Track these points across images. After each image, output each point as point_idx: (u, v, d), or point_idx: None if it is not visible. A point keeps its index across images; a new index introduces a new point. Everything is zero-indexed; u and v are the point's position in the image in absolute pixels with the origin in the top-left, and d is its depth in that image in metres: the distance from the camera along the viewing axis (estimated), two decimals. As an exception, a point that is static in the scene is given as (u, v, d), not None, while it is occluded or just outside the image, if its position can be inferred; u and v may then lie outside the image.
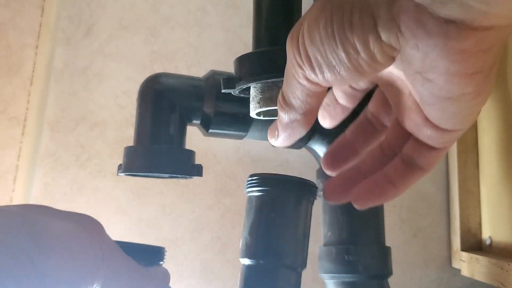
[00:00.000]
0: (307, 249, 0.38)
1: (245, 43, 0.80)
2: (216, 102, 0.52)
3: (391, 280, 0.55)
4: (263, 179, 0.37)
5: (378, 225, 0.56)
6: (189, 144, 0.54)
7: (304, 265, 0.38)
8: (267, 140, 0.58)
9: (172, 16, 0.80)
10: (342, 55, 0.24)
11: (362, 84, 0.33)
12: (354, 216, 0.54)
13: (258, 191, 0.37)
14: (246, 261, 0.37)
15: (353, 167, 0.34)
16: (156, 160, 0.49)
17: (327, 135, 0.54)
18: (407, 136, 0.31)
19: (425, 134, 0.29)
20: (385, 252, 0.55)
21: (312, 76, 0.26)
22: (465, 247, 0.73)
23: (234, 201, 0.75)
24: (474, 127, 0.75)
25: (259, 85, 0.35)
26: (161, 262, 0.37)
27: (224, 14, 0.82)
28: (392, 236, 0.77)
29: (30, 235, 0.25)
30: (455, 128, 0.27)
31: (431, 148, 0.30)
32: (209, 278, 0.73)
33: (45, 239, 0.26)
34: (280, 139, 0.30)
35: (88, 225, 0.30)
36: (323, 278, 0.55)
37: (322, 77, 0.25)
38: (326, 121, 0.34)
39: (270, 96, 0.35)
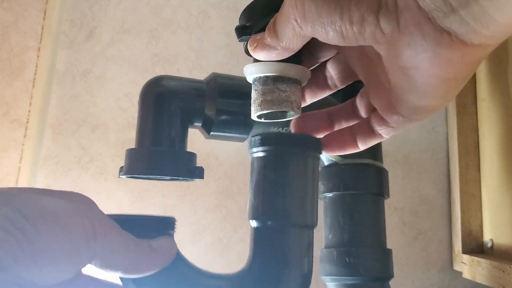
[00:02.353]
0: (317, 206, 0.37)
1: (246, 46, 0.81)
2: (217, 105, 0.52)
3: (392, 283, 0.55)
4: (263, 139, 0.36)
5: (379, 228, 0.56)
6: (190, 147, 0.54)
7: (314, 222, 0.36)
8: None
9: (173, 19, 0.80)
10: (337, 19, 0.26)
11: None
12: (355, 219, 0.54)
13: (259, 151, 0.36)
14: (254, 223, 0.36)
15: (326, 115, 0.38)
16: (157, 162, 0.49)
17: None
18: (370, 106, 0.35)
19: (388, 116, 0.32)
20: (386, 255, 0.55)
21: (301, 24, 0.29)
22: (467, 250, 0.72)
23: (235, 204, 0.75)
24: (475, 130, 0.75)
25: (260, 87, 0.35)
26: (172, 232, 0.35)
27: (226, 17, 0.82)
28: (394, 239, 0.77)
29: (20, 208, 0.25)
30: (415, 118, 0.31)
31: (389, 124, 0.33)
32: (210, 281, 0.73)
33: (35, 213, 0.26)
34: (255, 52, 0.33)
35: (79, 202, 0.30)
36: (324, 280, 0.55)
37: (310, 29, 0.28)
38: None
39: (271, 99, 0.35)
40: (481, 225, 0.73)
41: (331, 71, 0.37)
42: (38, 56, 0.71)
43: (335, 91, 0.38)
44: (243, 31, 0.34)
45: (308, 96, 0.38)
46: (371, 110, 0.35)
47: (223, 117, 0.52)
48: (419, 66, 0.26)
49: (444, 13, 0.23)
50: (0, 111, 0.69)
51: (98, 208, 0.31)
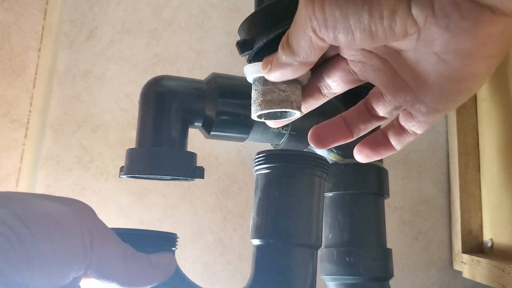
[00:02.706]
0: (321, 226, 0.36)
1: (246, 46, 0.81)
2: (217, 105, 0.52)
3: (392, 282, 0.55)
4: (268, 156, 0.35)
5: (380, 227, 0.56)
6: (191, 147, 0.54)
7: (318, 242, 0.35)
8: (269, 142, 0.58)
9: (174, 19, 0.81)
10: (365, 16, 0.24)
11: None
12: (355, 218, 0.55)
13: (263, 168, 0.35)
14: (256, 242, 0.35)
15: (341, 120, 0.36)
16: (158, 162, 0.49)
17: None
18: (394, 104, 0.33)
19: (417, 110, 0.30)
20: (387, 254, 0.55)
21: (322, 33, 0.26)
22: (467, 250, 0.73)
23: (235, 203, 0.75)
24: (475, 130, 0.75)
25: (260, 87, 0.35)
26: (173, 249, 0.35)
27: (226, 17, 0.82)
28: (394, 239, 0.77)
29: (17, 212, 0.25)
30: (447, 107, 0.29)
31: (419, 118, 0.32)
32: (211, 280, 0.74)
33: (33, 217, 0.25)
34: (271, 74, 0.32)
35: (78, 209, 0.29)
36: (324, 280, 0.56)
37: (333, 35, 0.26)
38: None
39: (272, 99, 0.35)
40: (481, 224, 0.73)
41: (327, 79, 0.35)
42: (38, 56, 0.71)
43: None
44: (244, 46, 0.33)
45: (302, 107, 0.37)
46: (394, 108, 0.33)
47: (223, 117, 0.52)
48: (459, 48, 0.24)
49: None
50: (1, 111, 0.69)
51: (97, 217, 0.30)
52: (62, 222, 0.27)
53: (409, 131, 0.33)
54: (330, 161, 0.56)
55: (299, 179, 0.35)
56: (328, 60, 0.34)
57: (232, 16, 0.82)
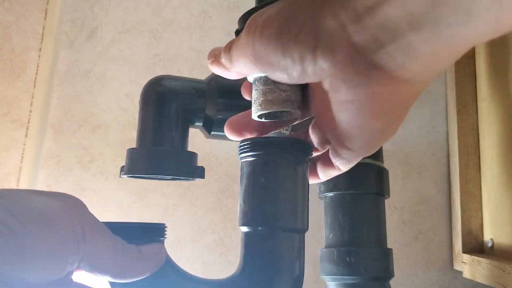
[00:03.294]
0: (308, 209, 0.36)
1: (247, 46, 0.81)
2: (218, 104, 0.52)
3: (392, 282, 0.55)
4: (252, 144, 0.36)
5: (380, 227, 0.56)
6: (191, 146, 0.54)
7: (305, 226, 0.36)
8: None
9: (174, 19, 0.81)
10: (281, 59, 0.27)
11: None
12: (355, 218, 0.55)
13: (248, 156, 0.36)
14: (244, 228, 0.36)
15: None
16: (158, 162, 0.49)
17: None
18: (323, 136, 0.35)
19: (337, 151, 0.33)
20: (387, 254, 0.55)
21: (253, 62, 0.29)
22: (467, 250, 0.73)
23: (236, 203, 0.75)
24: (475, 130, 0.75)
25: (260, 87, 0.36)
26: (162, 239, 0.35)
27: (226, 17, 0.82)
28: (394, 238, 0.77)
29: (9, 206, 0.25)
30: (357, 150, 0.32)
31: (342, 156, 0.33)
32: (211, 280, 0.74)
33: (24, 211, 0.26)
34: (212, 67, 0.36)
35: (69, 203, 0.29)
36: (324, 280, 0.56)
37: (261, 67, 0.29)
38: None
39: (272, 99, 0.35)
40: (481, 224, 0.73)
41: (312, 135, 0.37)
42: (39, 56, 0.71)
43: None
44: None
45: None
46: (324, 142, 0.35)
47: (224, 116, 0.53)
48: (354, 100, 0.26)
49: (373, 48, 0.23)
50: (2, 111, 0.69)
51: (89, 211, 0.31)
52: (54, 216, 0.27)
53: (335, 165, 0.35)
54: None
55: (284, 165, 0.36)
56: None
57: (233, 16, 0.82)
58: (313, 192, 0.59)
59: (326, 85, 0.28)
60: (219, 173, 0.77)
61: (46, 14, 0.72)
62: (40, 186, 0.73)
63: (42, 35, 0.71)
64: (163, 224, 0.36)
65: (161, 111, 0.51)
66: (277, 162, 0.35)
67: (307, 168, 0.37)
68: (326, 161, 0.36)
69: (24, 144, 0.68)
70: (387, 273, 0.54)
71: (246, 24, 0.30)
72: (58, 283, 0.28)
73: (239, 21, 0.41)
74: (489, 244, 0.69)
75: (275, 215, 0.35)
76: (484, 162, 0.73)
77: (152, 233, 0.35)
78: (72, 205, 0.29)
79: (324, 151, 0.36)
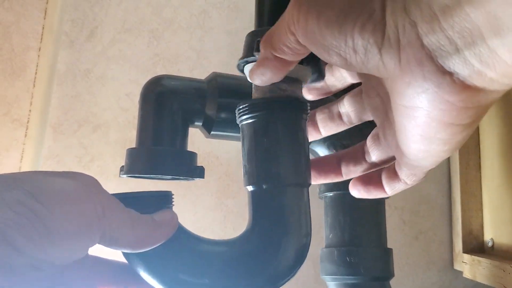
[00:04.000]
0: (309, 164, 0.38)
1: (247, 46, 0.81)
2: (218, 104, 0.52)
3: (393, 282, 0.55)
4: (251, 106, 0.37)
5: (380, 227, 0.56)
6: (191, 146, 0.54)
7: (307, 180, 0.37)
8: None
9: (174, 19, 0.81)
10: (341, 45, 0.25)
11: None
12: (355, 218, 0.55)
13: (248, 118, 0.37)
14: (250, 188, 0.37)
15: (335, 158, 0.38)
16: (158, 162, 0.49)
17: (328, 138, 0.55)
18: (388, 149, 0.33)
19: (401, 162, 0.30)
20: (387, 254, 0.55)
21: (302, 40, 0.27)
22: (467, 249, 0.73)
23: (236, 203, 0.75)
24: (476, 130, 0.75)
25: (260, 88, 0.36)
26: (171, 205, 0.36)
27: (226, 17, 0.82)
28: (394, 238, 0.77)
29: (30, 190, 0.26)
30: (420, 165, 0.29)
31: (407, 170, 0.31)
32: (211, 280, 0.73)
33: (46, 193, 0.26)
34: (254, 75, 0.33)
35: (85, 181, 0.30)
36: (324, 280, 0.55)
37: (311, 47, 0.27)
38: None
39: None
40: (482, 224, 0.73)
41: (348, 106, 0.36)
42: (39, 56, 0.71)
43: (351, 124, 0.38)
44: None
45: (323, 130, 0.38)
46: (387, 158, 0.34)
47: (224, 116, 0.52)
48: (420, 107, 0.24)
49: (447, 53, 0.21)
50: (1, 111, 0.69)
51: (102, 187, 0.31)
52: (74, 195, 0.28)
53: (400, 179, 0.33)
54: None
55: (284, 124, 0.36)
56: (352, 89, 0.36)
57: (233, 16, 0.82)
58: (313, 192, 0.59)
59: (388, 84, 0.26)
60: (219, 173, 0.77)
61: (45, 14, 0.72)
62: (40, 186, 0.72)
63: (42, 34, 0.71)
64: (170, 191, 0.37)
65: (161, 111, 0.51)
66: (278, 122, 0.36)
67: (305, 124, 0.38)
68: (392, 173, 0.33)
69: (24, 144, 0.68)
70: (387, 273, 0.54)
71: (294, 1, 0.27)
72: (82, 262, 0.29)
73: (249, 41, 0.40)
74: (490, 244, 0.69)
75: (279, 172, 0.36)
76: (484, 162, 0.73)
77: (160, 200, 0.36)
78: (88, 184, 0.30)
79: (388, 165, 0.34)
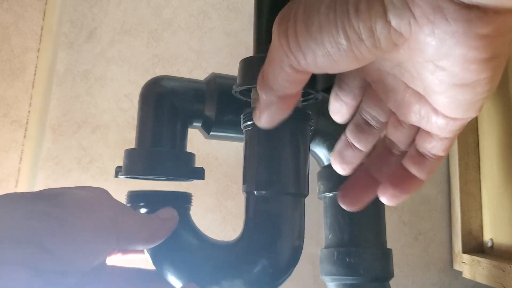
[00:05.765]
0: (308, 175, 0.38)
1: (246, 47, 0.81)
2: (217, 105, 0.52)
3: (392, 283, 0.55)
4: (250, 113, 0.37)
5: (380, 228, 0.56)
6: (190, 147, 0.54)
7: (304, 190, 0.38)
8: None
9: (173, 20, 0.81)
10: (343, 42, 0.23)
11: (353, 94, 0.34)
12: (355, 219, 0.54)
13: (247, 125, 0.38)
14: (247, 194, 0.38)
15: (364, 172, 0.36)
16: (157, 163, 0.49)
17: (328, 138, 0.55)
18: (411, 129, 0.32)
19: (434, 124, 0.28)
20: (387, 255, 0.55)
21: (300, 64, 0.25)
22: (467, 250, 0.73)
23: (235, 204, 0.75)
24: (475, 130, 0.75)
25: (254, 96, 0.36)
26: (188, 205, 0.41)
27: (226, 18, 0.82)
28: (394, 239, 0.77)
29: (53, 201, 0.29)
30: (464, 116, 0.27)
31: (438, 137, 0.30)
32: (211, 281, 0.73)
33: (66, 204, 0.29)
34: (261, 120, 0.32)
35: (98, 193, 0.33)
36: (324, 280, 0.55)
37: (314, 66, 0.25)
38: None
39: None
40: (481, 225, 0.73)
41: (368, 109, 0.34)
42: (38, 57, 0.71)
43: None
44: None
45: (361, 146, 0.35)
46: (413, 134, 0.32)
47: (223, 117, 0.52)
48: (450, 53, 0.22)
49: None
50: (0, 112, 0.69)
51: (113, 197, 0.35)
52: (91, 204, 0.31)
53: (430, 155, 0.31)
54: (329, 161, 0.56)
55: (281, 132, 0.36)
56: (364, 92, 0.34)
57: (232, 17, 0.82)
58: (313, 193, 0.59)
59: (403, 54, 0.24)
60: (219, 174, 0.77)
61: (44, 15, 0.72)
62: (39, 187, 0.72)
63: (41, 35, 0.71)
64: (190, 193, 0.42)
65: (160, 112, 0.51)
66: (278, 129, 0.36)
67: (308, 133, 0.38)
68: (417, 157, 0.31)
69: (23, 145, 0.68)
70: (387, 274, 0.54)
71: (274, 31, 0.26)
72: (102, 268, 0.34)
73: (243, 70, 0.41)
74: (489, 244, 0.69)
75: (277, 180, 0.36)
76: (484, 162, 0.73)
77: (180, 200, 0.41)
78: (100, 194, 0.33)
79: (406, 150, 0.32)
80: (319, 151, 0.57)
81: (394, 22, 0.21)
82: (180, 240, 0.39)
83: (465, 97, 0.25)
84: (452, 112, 0.26)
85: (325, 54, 0.24)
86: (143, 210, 0.41)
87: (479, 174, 0.74)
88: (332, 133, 0.54)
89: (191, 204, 0.40)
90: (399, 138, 0.33)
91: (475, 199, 0.73)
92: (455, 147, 0.76)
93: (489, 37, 0.21)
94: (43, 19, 0.72)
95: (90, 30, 0.78)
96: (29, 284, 0.24)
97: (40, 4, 0.72)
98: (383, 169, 0.35)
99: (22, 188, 0.67)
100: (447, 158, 0.81)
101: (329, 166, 0.56)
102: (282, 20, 0.26)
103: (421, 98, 0.28)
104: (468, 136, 0.75)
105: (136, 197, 0.42)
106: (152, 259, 0.39)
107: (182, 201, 0.40)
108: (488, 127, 0.71)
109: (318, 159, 0.58)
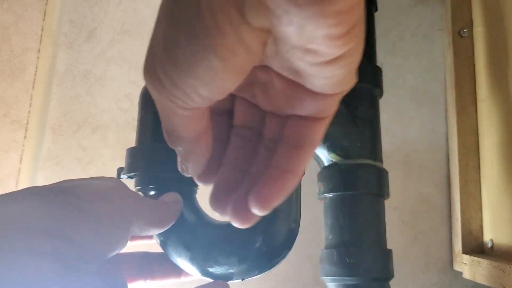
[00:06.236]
0: (300, 205, 0.42)
1: (246, 47, 0.81)
2: (217, 105, 0.52)
3: (392, 283, 0.55)
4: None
5: (380, 228, 0.56)
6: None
7: (297, 221, 0.42)
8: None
9: (173, 20, 0.80)
10: (217, 63, 0.22)
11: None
12: (355, 219, 0.54)
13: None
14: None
15: (234, 171, 0.33)
16: (159, 159, 0.49)
17: (328, 138, 0.55)
18: (282, 121, 0.30)
19: (309, 107, 0.28)
20: (387, 255, 0.55)
21: (186, 101, 0.24)
22: (467, 250, 0.73)
23: (235, 204, 0.75)
24: (475, 130, 0.75)
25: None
26: (194, 188, 0.44)
27: (226, 18, 0.82)
28: (393, 239, 0.77)
29: (73, 193, 0.30)
30: (338, 91, 0.26)
31: (315, 119, 0.29)
32: (211, 281, 0.73)
33: (85, 193, 0.31)
34: (189, 171, 0.31)
35: (112, 182, 0.35)
36: (324, 281, 0.55)
37: (201, 98, 0.24)
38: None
39: None
40: (481, 225, 0.73)
41: (241, 115, 0.32)
42: (38, 57, 0.71)
43: None
44: None
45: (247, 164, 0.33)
46: (280, 126, 0.30)
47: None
48: (314, 36, 0.21)
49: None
50: (1, 112, 0.69)
51: (126, 185, 0.36)
52: (110, 194, 0.32)
53: (305, 142, 0.29)
54: (329, 162, 0.56)
55: None
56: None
57: (232, 17, 0.82)
58: (313, 192, 0.59)
59: (271, 46, 0.23)
60: (219, 174, 0.76)
61: (45, 15, 0.72)
62: (39, 187, 0.72)
63: (41, 36, 0.71)
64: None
65: (160, 112, 0.51)
66: None
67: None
68: (293, 153, 0.29)
69: (23, 145, 0.68)
70: (387, 274, 0.54)
71: (147, 82, 0.25)
72: (110, 267, 0.36)
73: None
74: (489, 245, 0.69)
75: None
76: (484, 162, 0.73)
77: (185, 183, 0.44)
78: (116, 183, 0.35)
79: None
80: (319, 151, 0.57)
81: (255, 22, 0.21)
82: (185, 221, 0.42)
83: (339, 72, 0.24)
84: (330, 89, 0.26)
85: (204, 83, 0.23)
86: (151, 193, 0.44)
87: (479, 174, 0.74)
88: (332, 133, 0.54)
89: (197, 187, 0.43)
90: (271, 132, 0.31)
91: (475, 199, 0.73)
92: (455, 148, 0.76)
93: (343, 12, 0.21)
94: (43, 19, 0.72)
95: (90, 30, 0.78)
96: (54, 272, 0.25)
97: (40, 4, 0.72)
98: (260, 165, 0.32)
99: (22, 188, 0.67)
100: (447, 158, 0.81)
101: (329, 166, 0.57)
102: (148, 66, 0.25)
103: (291, 85, 0.27)
104: (468, 136, 0.75)
105: (147, 180, 0.45)
106: (160, 243, 0.42)
107: (189, 184, 0.42)
108: (488, 127, 0.71)
109: (318, 159, 0.59)
